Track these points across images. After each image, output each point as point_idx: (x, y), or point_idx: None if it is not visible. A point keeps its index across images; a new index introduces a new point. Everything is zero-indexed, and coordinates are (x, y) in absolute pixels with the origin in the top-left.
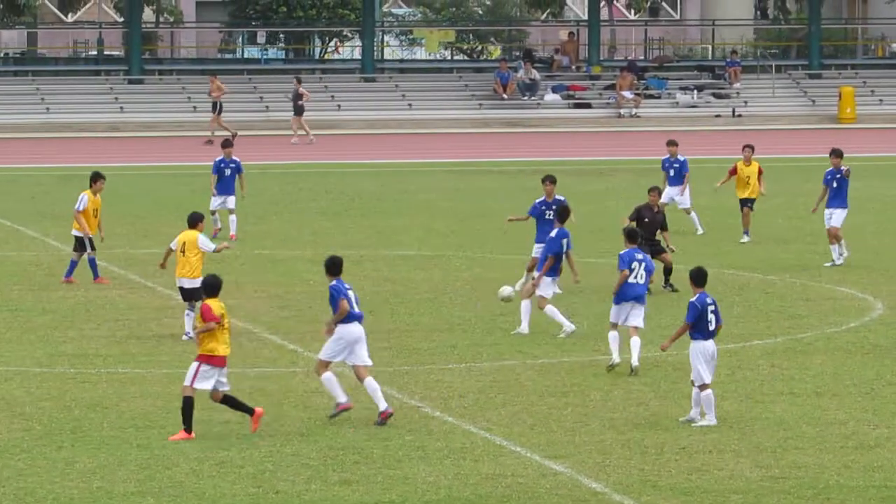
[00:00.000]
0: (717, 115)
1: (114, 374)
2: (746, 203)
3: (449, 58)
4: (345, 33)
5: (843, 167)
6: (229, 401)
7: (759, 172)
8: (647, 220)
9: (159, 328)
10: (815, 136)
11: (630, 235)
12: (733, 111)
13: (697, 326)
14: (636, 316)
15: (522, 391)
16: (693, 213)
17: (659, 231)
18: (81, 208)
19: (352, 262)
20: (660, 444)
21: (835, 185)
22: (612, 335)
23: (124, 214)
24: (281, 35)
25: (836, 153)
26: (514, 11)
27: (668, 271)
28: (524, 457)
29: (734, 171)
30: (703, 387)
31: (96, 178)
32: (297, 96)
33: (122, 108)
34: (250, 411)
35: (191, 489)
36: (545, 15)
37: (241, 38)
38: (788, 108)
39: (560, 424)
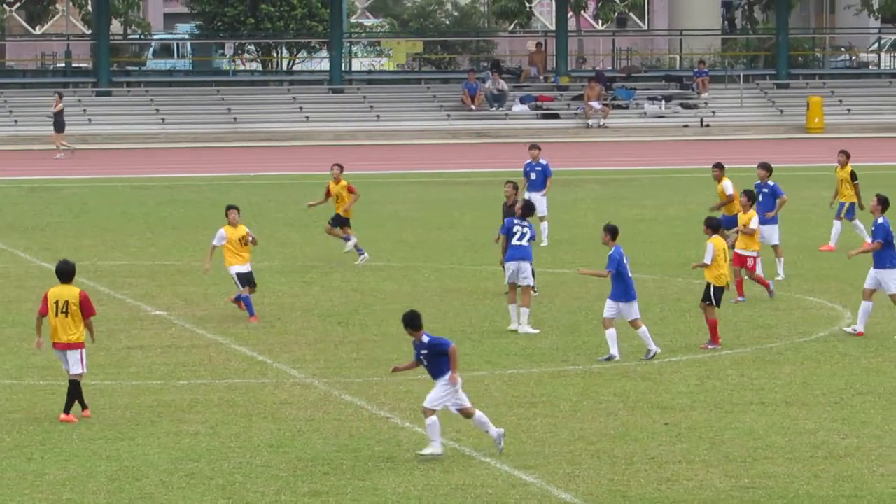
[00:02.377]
0: (686, 126)
1: (83, 386)
2: None
3: (417, 69)
4: (313, 45)
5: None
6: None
7: None
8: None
9: (128, 340)
10: (784, 145)
11: (610, 231)
12: (701, 121)
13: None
14: (629, 312)
15: (492, 402)
16: (545, 223)
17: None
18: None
19: (321, 273)
20: (629, 455)
21: (760, 198)
22: (610, 332)
23: (93, 226)
24: (251, 46)
25: (764, 166)
26: (481, 22)
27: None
28: (493, 467)
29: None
30: (432, 412)
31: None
32: (58, 112)
33: (90, 120)
34: (68, 409)
35: (160, 501)
36: (513, 26)
37: (150, 52)
38: (756, 118)
39: (529, 435)
